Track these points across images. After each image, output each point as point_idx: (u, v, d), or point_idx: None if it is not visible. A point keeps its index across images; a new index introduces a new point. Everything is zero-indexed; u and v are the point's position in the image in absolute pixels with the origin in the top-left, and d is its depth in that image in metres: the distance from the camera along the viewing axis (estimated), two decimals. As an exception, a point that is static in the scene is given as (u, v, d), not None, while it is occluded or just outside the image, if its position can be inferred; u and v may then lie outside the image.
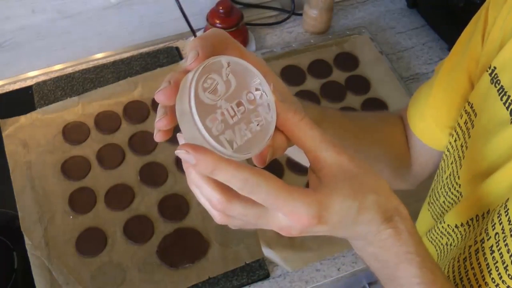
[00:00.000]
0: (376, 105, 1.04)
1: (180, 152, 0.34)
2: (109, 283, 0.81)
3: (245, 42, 1.11)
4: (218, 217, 0.38)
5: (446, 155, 0.59)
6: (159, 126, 0.38)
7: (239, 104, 0.37)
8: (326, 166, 0.37)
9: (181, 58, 1.10)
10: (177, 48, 1.13)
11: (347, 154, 0.38)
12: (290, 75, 1.08)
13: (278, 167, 0.94)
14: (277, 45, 1.13)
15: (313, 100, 1.04)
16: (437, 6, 1.15)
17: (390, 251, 0.40)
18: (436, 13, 1.17)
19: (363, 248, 0.42)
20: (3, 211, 0.89)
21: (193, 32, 1.10)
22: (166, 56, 1.10)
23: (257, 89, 0.38)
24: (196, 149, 0.33)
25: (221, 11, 1.04)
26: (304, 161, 0.62)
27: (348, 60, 1.12)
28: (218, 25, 1.05)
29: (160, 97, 0.37)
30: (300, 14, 1.18)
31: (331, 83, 1.08)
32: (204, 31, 1.10)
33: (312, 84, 1.07)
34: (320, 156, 0.38)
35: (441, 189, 0.60)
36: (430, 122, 0.62)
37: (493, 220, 0.46)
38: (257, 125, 0.37)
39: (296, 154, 0.58)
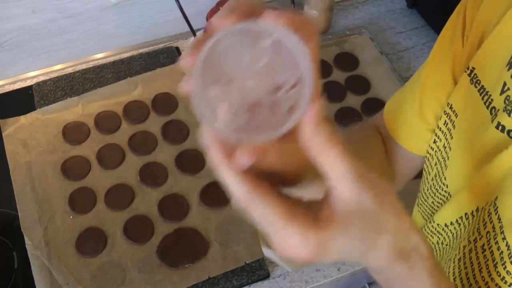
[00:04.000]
0: (376, 105, 1.04)
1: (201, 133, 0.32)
2: (109, 283, 0.81)
3: (245, 42, 1.11)
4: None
5: (427, 157, 0.59)
6: (182, 63, 0.33)
7: (255, 84, 0.31)
8: (342, 200, 0.33)
9: (181, 58, 1.10)
10: (177, 48, 1.13)
11: (371, 190, 0.33)
12: (290, 75, 1.07)
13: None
14: (277, 45, 1.13)
15: (313, 100, 1.04)
16: (437, 6, 1.15)
17: (405, 285, 0.38)
18: (436, 13, 1.17)
19: (378, 273, 0.40)
20: (3, 211, 0.89)
21: (193, 32, 1.10)
22: (166, 56, 1.10)
23: (291, 80, 0.31)
24: (211, 137, 0.31)
25: (221, 11, 1.04)
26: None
27: (348, 60, 1.12)
28: (218, 25, 1.05)
29: (184, 61, 0.32)
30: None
31: (331, 83, 1.08)
32: (204, 31, 1.10)
33: (312, 84, 1.07)
34: (340, 188, 0.33)
35: (427, 190, 0.60)
36: (416, 129, 0.61)
37: (484, 219, 0.47)
38: (264, 117, 0.31)
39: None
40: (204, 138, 0.32)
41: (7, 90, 1.05)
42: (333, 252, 0.33)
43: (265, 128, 0.31)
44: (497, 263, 0.44)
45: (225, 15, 0.31)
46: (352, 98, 1.06)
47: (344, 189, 0.33)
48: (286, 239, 0.32)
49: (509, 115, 0.44)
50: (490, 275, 0.45)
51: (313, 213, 0.34)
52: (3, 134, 0.96)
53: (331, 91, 1.06)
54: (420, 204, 0.63)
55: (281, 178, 0.36)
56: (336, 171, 0.32)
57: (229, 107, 0.31)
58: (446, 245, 0.56)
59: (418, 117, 0.60)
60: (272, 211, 0.32)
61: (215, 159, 0.32)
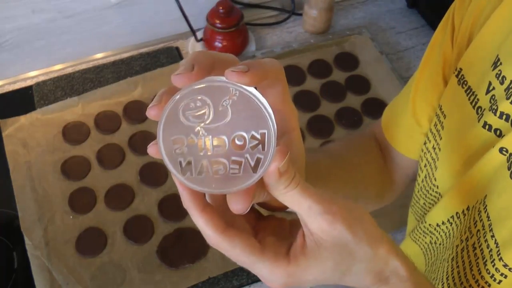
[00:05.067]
0: (376, 105, 1.04)
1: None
2: (109, 283, 0.81)
3: (245, 42, 1.11)
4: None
5: (418, 160, 0.59)
6: (149, 115, 0.34)
7: (218, 141, 0.32)
8: (312, 234, 0.35)
9: (181, 58, 1.10)
10: (177, 48, 1.13)
11: (342, 222, 0.34)
12: (290, 75, 1.08)
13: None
14: (277, 45, 1.13)
15: (313, 100, 1.04)
16: (437, 6, 1.15)
17: None
18: (436, 13, 1.17)
19: None
20: (3, 211, 0.89)
21: (193, 32, 1.10)
22: (166, 56, 1.10)
23: (255, 137, 0.32)
24: (180, 184, 0.33)
25: (221, 11, 1.04)
26: None
27: (348, 60, 1.12)
28: (218, 25, 1.05)
29: (150, 113, 0.33)
30: (300, 14, 1.18)
31: (331, 83, 1.08)
32: (204, 31, 1.10)
33: (312, 84, 1.07)
34: (309, 222, 0.34)
35: (418, 192, 0.60)
36: (411, 133, 0.61)
37: (474, 217, 0.47)
38: (229, 172, 0.33)
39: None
40: (175, 182, 0.33)
41: (7, 90, 1.05)
42: (306, 281, 0.35)
43: (228, 182, 0.33)
44: (486, 260, 0.45)
45: (187, 71, 0.32)
46: (352, 98, 1.06)
47: (312, 223, 0.34)
48: (257, 272, 0.35)
49: (494, 114, 0.45)
50: (480, 273, 0.46)
51: (287, 246, 0.35)
52: (3, 134, 0.96)
53: (331, 91, 1.06)
54: (413, 205, 0.64)
55: (271, 206, 0.38)
56: (301, 208, 0.34)
57: (194, 163, 0.32)
58: (440, 244, 0.56)
59: (413, 120, 0.60)
60: (240, 251, 0.34)
61: (184, 203, 0.34)
